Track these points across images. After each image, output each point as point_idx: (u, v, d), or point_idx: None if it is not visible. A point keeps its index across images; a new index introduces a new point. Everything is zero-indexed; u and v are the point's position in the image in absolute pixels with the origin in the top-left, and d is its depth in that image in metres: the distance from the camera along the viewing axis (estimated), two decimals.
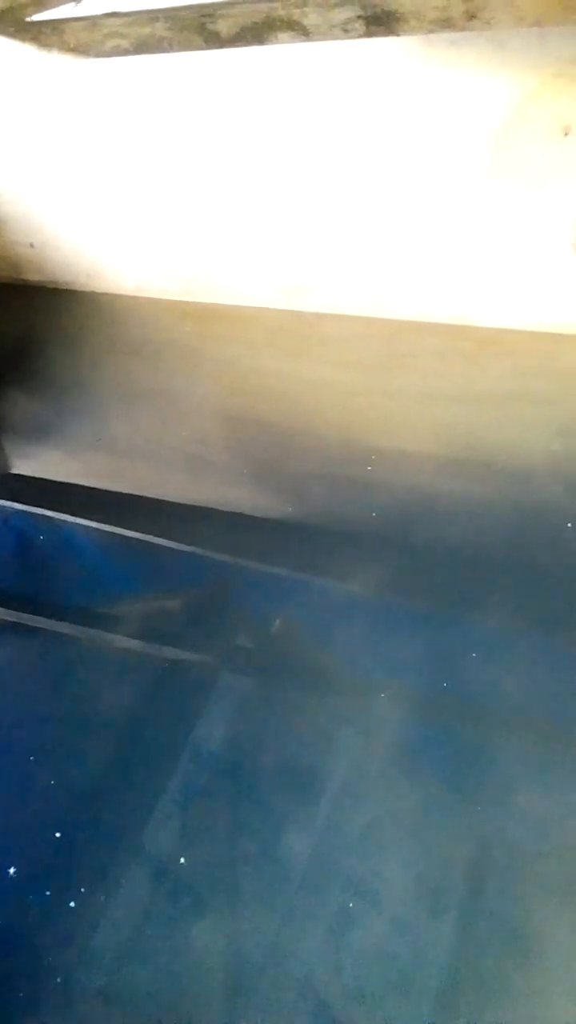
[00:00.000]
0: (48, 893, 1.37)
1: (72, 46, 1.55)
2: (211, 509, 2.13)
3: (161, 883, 1.36)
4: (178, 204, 2.65)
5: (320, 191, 2.42)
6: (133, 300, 3.00)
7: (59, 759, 1.57)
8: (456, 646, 1.67)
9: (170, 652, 1.75)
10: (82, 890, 1.37)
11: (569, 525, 1.88)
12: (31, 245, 2.99)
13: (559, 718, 1.54)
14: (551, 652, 1.66)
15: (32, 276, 3.11)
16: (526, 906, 1.28)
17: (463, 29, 1.35)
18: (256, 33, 1.43)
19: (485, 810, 1.41)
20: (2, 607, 1.94)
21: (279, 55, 2.12)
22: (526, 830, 1.37)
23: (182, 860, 1.38)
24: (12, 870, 1.40)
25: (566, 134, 1.93)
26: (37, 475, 2.39)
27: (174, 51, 1.50)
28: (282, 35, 1.42)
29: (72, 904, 1.35)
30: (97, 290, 3.06)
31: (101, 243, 2.91)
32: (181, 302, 2.94)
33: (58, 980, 1.27)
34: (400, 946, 1.26)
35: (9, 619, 1.90)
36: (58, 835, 1.44)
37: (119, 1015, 1.23)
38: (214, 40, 1.45)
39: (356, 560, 1.90)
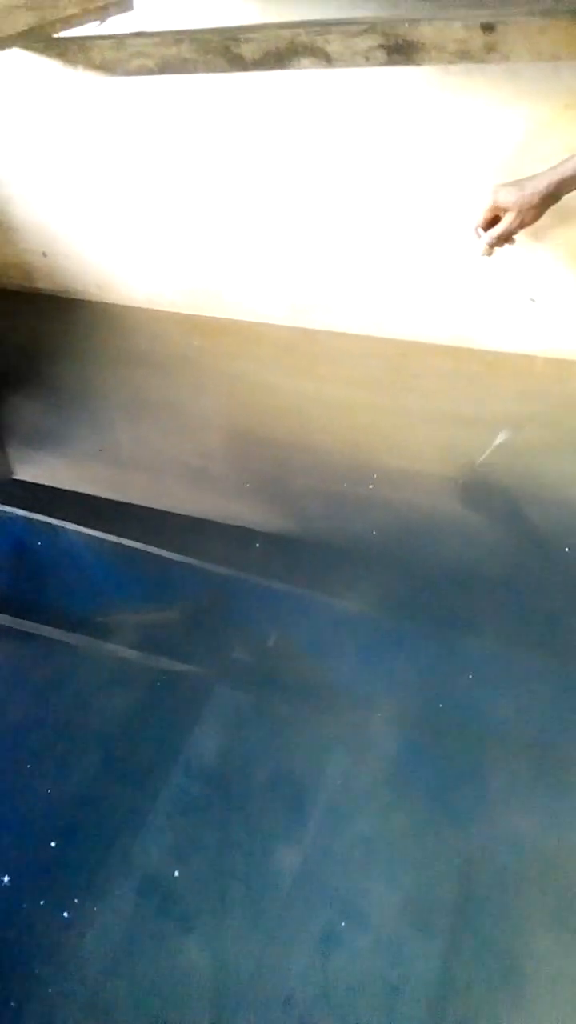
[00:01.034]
0: (43, 903, 1.36)
1: (98, 63, 1.58)
2: (212, 522, 2.14)
3: (146, 897, 1.36)
4: (190, 219, 2.68)
5: (331, 211, 2.45)
6: (142, 312, 3.02)
7: (55, 767, 1.57)
8: (452, 667, 1.68)
9: (166, 664, 1.75)
10: (76, 901, 1.37)
11: (567, 549, 1.90)
12: (44, 254, 3.02)
13: (550, 740, 1.55)
14: (548, 676, 1.67)
15: (43, 285, 3.14)
16: (516, 930, 1.28)
17: (482, 61, 1.38)
18: (279, 58, 1.46)
19: (476, 832, 1.41)
20: None
21: (296, 79, 2.15)
22: (518, 853, 1.37)
23: (176, 873, 1.38)
24: (6, 879, 1.40)
25: None
26: (38, 481, 2.40)
27: (198, 72, 1.53)
28: (304, 61, 1.45)
29: (66, 915, 1.35)
30: (107, 301, 3.08)
31: (113, 255, 2.93)
32: (190, 315, 2.96)
33: (49, 991, 1.26)
34: (387, 967, 1.25)
35: (4, 624, 1.90)
36: (53, 844, 1.44)
37: None
38: (237, 63, 1.48)
39: (355, 578, 1.90)
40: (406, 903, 1.32)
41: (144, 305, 3.02)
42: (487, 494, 2.12)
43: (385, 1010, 1.21)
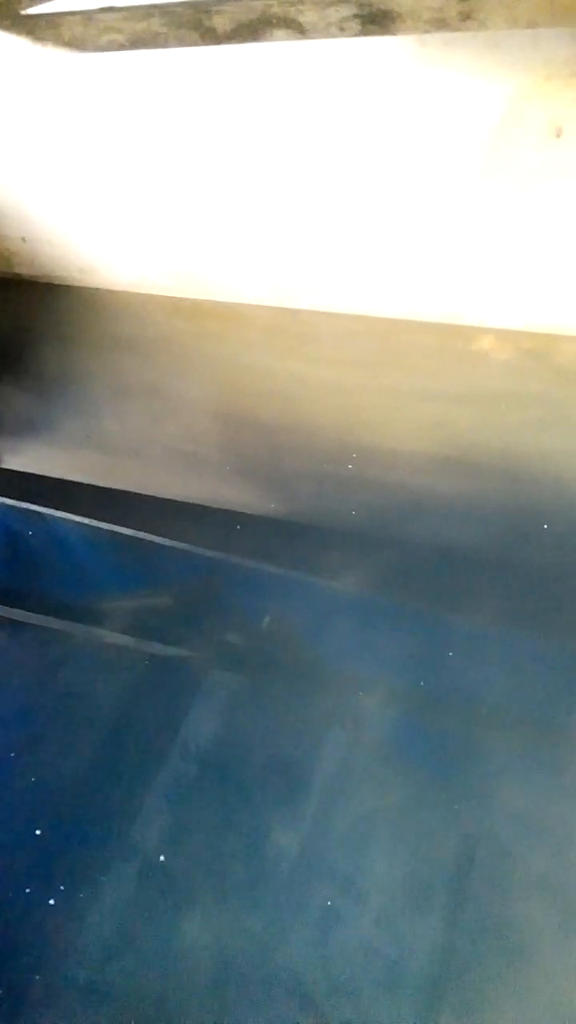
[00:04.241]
0: (28, 891, 1.36)
1: (67, 40, 1.55)
2: (200, 506, 2.13)
3: (145, 880, 1.36)
4: (173, 200, 2.65)
5: (315, 189, 2.42)
6: (126, 296, 2.99)
7: (43, 756, 1.57)
8: (438, 644, 1.68)
9: (158, 648, 1.75)
10: (62, 888, 1.36)
11: (545, 526, 1.90)
12: (23, 239, 2.98)
13: (541, 715, 1.55)
14: (532, 650, 1.67)
15: (24, 270, 3.10)
16: (511, 901, 1.29)
17: (458, 29, 1.35)
18: (252, 30, 1.43)
19: (471, 806, 1.41)
20: None
21: (276, 52, 2.11)
22: (511, 826, 1.38)
23: (162, 858, 1.38)
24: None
25: (558, 135, 1.94)
26: (26, 470, 2.38)
27: (170, 47, 1.50)
28: (278, 32, 1.42)
29: (52, 902, 1.35)
30: (90, 285, 3.05)
31: (95, 238, 2.90)
32: (175, 298, 2.93)
33: (37, 977, 1.26)
34: (386, 942, 1.26)
35: None
36: (38, 832, 1.44)
37: (105, 1010, 1.23)
38: (210, 36, 1.45)
39: (341, 557, 1.90)
40: (404, 880, 1.33)
41: (128, 289, 2.99)
42: (470, 472, 2.11)
43: (386, 987, 1.21)
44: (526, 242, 2.27)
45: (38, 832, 1.44)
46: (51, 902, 1.34)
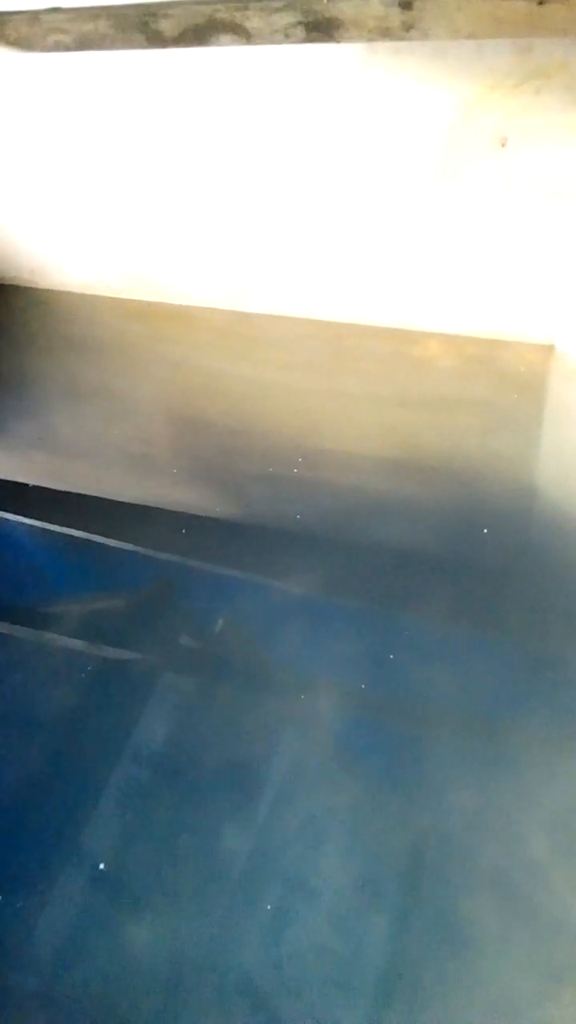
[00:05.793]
0: None
1: (13, 40, 1.53)
2: (152, 508, 2.13)
3: (96, 885, 1.35)
4: (125, 202, 2.64)
5: (266, 194, 2.43)
6: (78, 297, 2.98)
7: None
8: (386, 645, 1.70)
9: (109, 651, 1.74)
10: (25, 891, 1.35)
11: (485, 530, 1.94)
12: None
13: (487, 713, 1.58)
14: (477, 650, 1.70)
15: None
16: (461, 898, 1.31)
17: (402, 38, 1.38)
18: (198, 34, 1.44)
19: (420, 805, 1.44)
20: None
21: (225, 57, 2.13)
22: (460, 824, 1.40)
23: (112, 863, 1.37)
24: None
25: (503, 145, 1.99)
26: None
27: (116, 49, 1.50)
28: (224, 37, 1.43)
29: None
30: (41, 286, 3.02)
31: (46, 239, 2.87)
32: (127, 300, 2.92)
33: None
34: (338, 941, 1.27)
35: None
36: None
37: (57, 1015, 1.22)
38: (157, 40, 1.45)
39: (288, 560, 1.92)
40: (355, 879, 1.34)
41: (79, 290, 2.97)
42: (415, 475, 2.14)
43: (338, 985, 1.22)
44: (472, 250, 2.32)
45: None
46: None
